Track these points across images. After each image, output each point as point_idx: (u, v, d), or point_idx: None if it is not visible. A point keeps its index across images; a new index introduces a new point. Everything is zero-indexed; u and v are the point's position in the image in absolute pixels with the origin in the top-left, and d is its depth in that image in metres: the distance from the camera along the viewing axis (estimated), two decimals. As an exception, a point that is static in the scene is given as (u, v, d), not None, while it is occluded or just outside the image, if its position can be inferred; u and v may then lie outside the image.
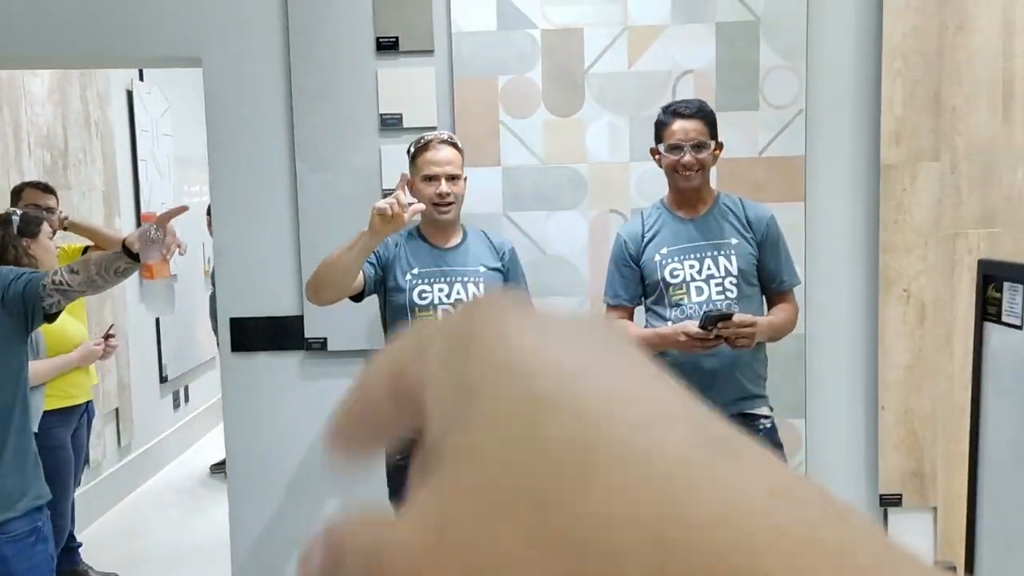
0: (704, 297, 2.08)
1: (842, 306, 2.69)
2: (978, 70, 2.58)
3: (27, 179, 3.22)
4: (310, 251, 2.58)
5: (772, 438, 2.10)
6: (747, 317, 1.95)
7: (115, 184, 4.19)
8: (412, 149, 2.19)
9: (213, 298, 3.62)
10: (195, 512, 4.06)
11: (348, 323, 2.60)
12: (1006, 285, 1.48)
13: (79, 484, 3.12)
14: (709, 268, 2.09)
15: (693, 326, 1.94)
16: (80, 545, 3.28)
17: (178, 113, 4.93)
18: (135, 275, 1.79)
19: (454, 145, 2.17)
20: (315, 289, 2.08)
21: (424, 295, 2.14)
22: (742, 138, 2.59)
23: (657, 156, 2.15)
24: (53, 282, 1.71)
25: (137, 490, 4.37)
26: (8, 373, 1.73)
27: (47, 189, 3.01)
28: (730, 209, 2.15)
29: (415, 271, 2.16)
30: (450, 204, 2.15)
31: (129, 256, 1.69)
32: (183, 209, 1.73)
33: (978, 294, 1.55)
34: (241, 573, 2.73)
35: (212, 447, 4.91)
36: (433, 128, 2.53)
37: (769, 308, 2.16)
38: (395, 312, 2.17)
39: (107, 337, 2.89)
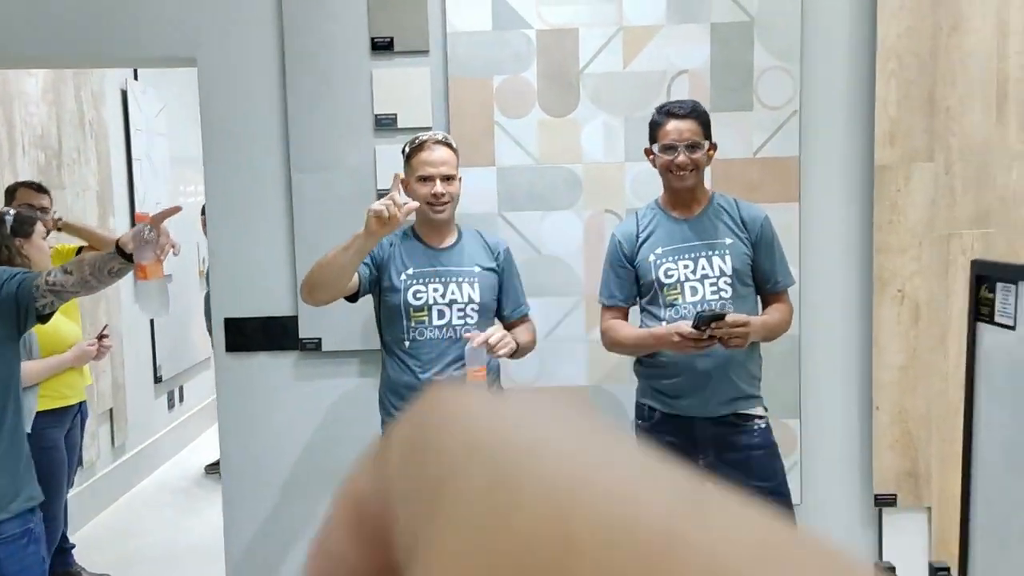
0: (699, 297, 2.08)
1: (836, 306, 2.70)
2: (972, 71, 2.58)
3: (21, 179, 3.21)
4: (305, 251, 2.57)
5: (766, 439, 2.10)
6: (740, 317, 1.95)
7: (109, 184, 4.18)
8: (407, 149, 2.18)
9: (208, 298, 3.61)
10: (189, 512, 4.05)
11: (343, 323, 2.59)
12: (999, 286, 1.48)
13: (72, 485, 3.11)
14: (703, 268, 2.09)
15: (686, 326, 1.94)
16: (73, 546, 3.27)
17: (173, 113, 4.92)
18: (129, 275, 1.78)
19: (449, 145, 2.17)
20: (310, 290, 2.08)
21: (419, 295, 2.14)
22: (736, 139, 2.59)
23: (651, 156, 2.15)
24: (47, 282, 1.70)
25: (131, 491, 4.36)
26: (0, 373, 1.72)
27: (41, 189, 3.00)
28: (724, 209, 2.15)
29: (410, 271, 2.16)
30: (445, 204, 2.15)
31: (123, 257, 1.68)
32: (176, 210, 1.73)
33: (971, 295, 1.55)
34: (235, 573, 2.72)
35: (207, 447, 4.90)
36: (428, 128, 2.53)
37: (764, 308, 2.17)
38: (390, 312, 2.17)
39: (101, 337, 2.88)
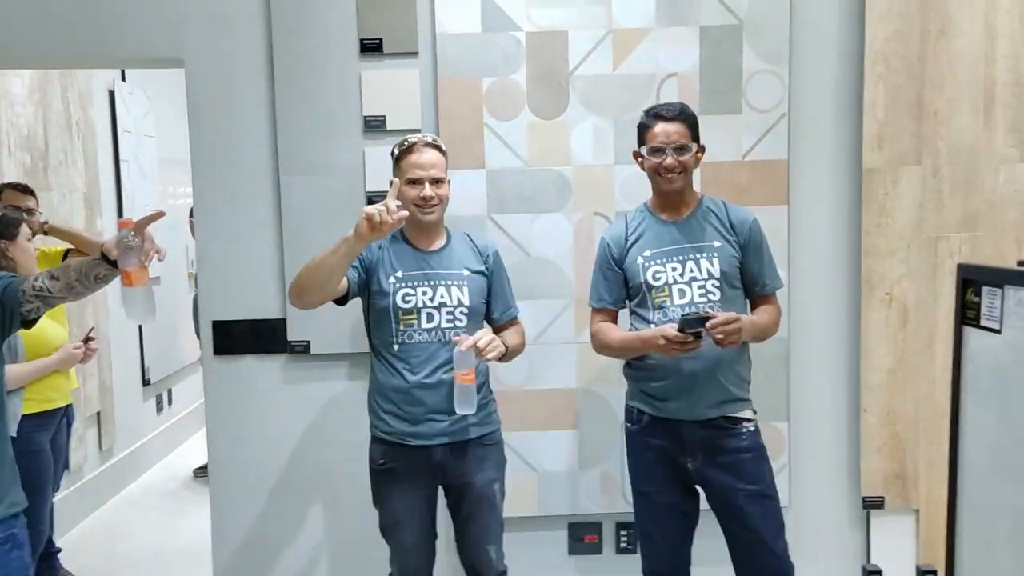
0: (687, 299, 2.08)
1: (825, 309, 2.71)
2: (960, 74, 2.60)
3: (6, 180, 3.18)
4: (293, 253, 2.56)
5: (755, 441, 2.10)
6: (730, 315, 1.95)
7: (96, 185, 4.15)
8: (396, 152, 2.18)
9: (196, 300, 3.59)
10: (177, 516, 4.03)
11: (331, 326, 2.58)
12: (985, 289, 1.49)
13: (58, 489, 3.08)
14: (691, 271, 2.09)
15: (672, 329, 1.94)
16: (59, 550, 3.25)
17: (161, 114, 4.89)
18: (117, 279, 1.76)
19: (438, 148, 2.16)
20: (298, 293, 2.07)
21: (408, 298, 2.13)
22: (725, 142, 2.60)
23: (640, 159, 2.15)
24: (33, 288, 1.68)
25: (119, 494, 4.33)
26: (-17, 377, 1.70)
27: (26, 190, 2.98)
28: (713, 212, 2.15)
29: (399, 274, 2.15)
30: (434, 207, 2.14)
31: (108, 263, 1.67)
32: (160, 215, 1.71)
33: (957, 298, 1.55)
34: (223, 578, 2.71)
35: (196, 451, 4.87)
36: (417, 130, 2.53)
37: (752, 311, 2.17)
38: (379, 315, 2.16)
39: (87, 340, 2.86)
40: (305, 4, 2.57)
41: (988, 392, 1.50)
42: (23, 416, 2.62)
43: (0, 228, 2.49)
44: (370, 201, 2.47)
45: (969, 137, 2.62)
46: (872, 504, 2.70)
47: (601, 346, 2.20)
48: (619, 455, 2.61)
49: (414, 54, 2.59)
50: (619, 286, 2.19)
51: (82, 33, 2.59)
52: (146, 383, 4.70)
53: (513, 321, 2.29)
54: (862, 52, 2.61)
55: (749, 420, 2.11)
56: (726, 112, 2.60)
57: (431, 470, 2.15)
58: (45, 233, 3.01)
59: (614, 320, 2.22)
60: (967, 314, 1.54)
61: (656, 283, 2.10)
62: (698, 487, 2.15)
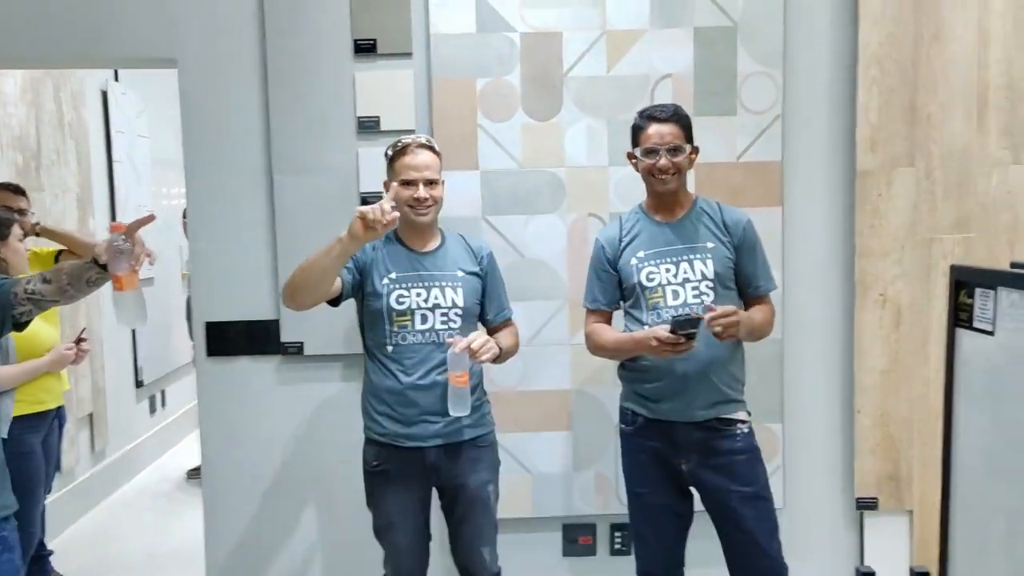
0: (680, 301, 2.08)
1: (819, 310, 2.71)
2: (953, 78, 2.60)
3: (-2, 180, 3.16)
4: (287, 254, 2.55)
5: (749, 443, 2.10)
6: (728, 308, 1.95)
7: (89, 186, 4.13)
8: (390, 153, 2.17)
9: (190, 302, 3.58)
10: (170, 518, 4.01)
11: (325, 327, 2.57)
12: (978, 291, 1.49)
13: (50, 491, 3.06)
14: (685, 272, 2.09)
15: (664, 331, 1.94)
16: (51, 553, 3.22)
17: (154, 114, 4.88)
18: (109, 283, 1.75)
19: (432, 149, 2.16)
20: (292, 294, 2.06)
21: (402, 300, 2.13)
22: (720, 143, 2.60)
23: (634, 160, 2.15)
24: (25, 291, 1.68)
25: (111, 496, 4.31)
26: (-27, 379, 1.69)
27: (18, 191, 2.96)
28: (707, 213, 2.15)
29: (393, 275, 2.15)
30: (428, 208, 2.14)
31: (99, 266, 1.66)
32: (150, 219, 1.70)
33: (950, 300, 1.56)
34: (216, 580, 2.69)
35: (189, 452, 4.85)
36: (411, 131, 2.52)
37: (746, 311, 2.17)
38: (372, 317, 2.15)
39: (79, 341, 2.84)
40: (299, 5, 2.56)
41: (981, 394, 1.50)
42: (14, 418, 2.60)
43: (-9, 228, 2.47)
44: (364, 202, 2.46)
45: (962, 140, 2.62)
46: (866, 505, 2.70)
47: (595, 347, 2.20)
48: (613, 456, 2.60)
49: (408, 55, 2.59)
50: (613, 287, 2.19)
51: (75, 33, 2.58)
52: (139, 384, 4.68)
53: (507, 322, 2.28)
54: (856, 55, 2.61)
55: (743, 421, 2.11)
56: (720, 114, 2.60)
57: (425, 472, 2.14)
58: (37, 234, 2.99)
59: (608, 321, 2.22)
60: (960, 316, 1.54)
61: (650, 284, 2.10)
62: (692, 488, 2.15)
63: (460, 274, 2.18)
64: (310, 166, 2.59)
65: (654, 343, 1.95)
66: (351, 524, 2.60)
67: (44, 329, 2.75)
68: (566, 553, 2.74)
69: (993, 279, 1.47)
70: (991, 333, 1.46)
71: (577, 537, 2.73)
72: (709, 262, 2.09)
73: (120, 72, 4.50)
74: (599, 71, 2.60)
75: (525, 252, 2.64)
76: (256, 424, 2.66)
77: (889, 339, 2.66)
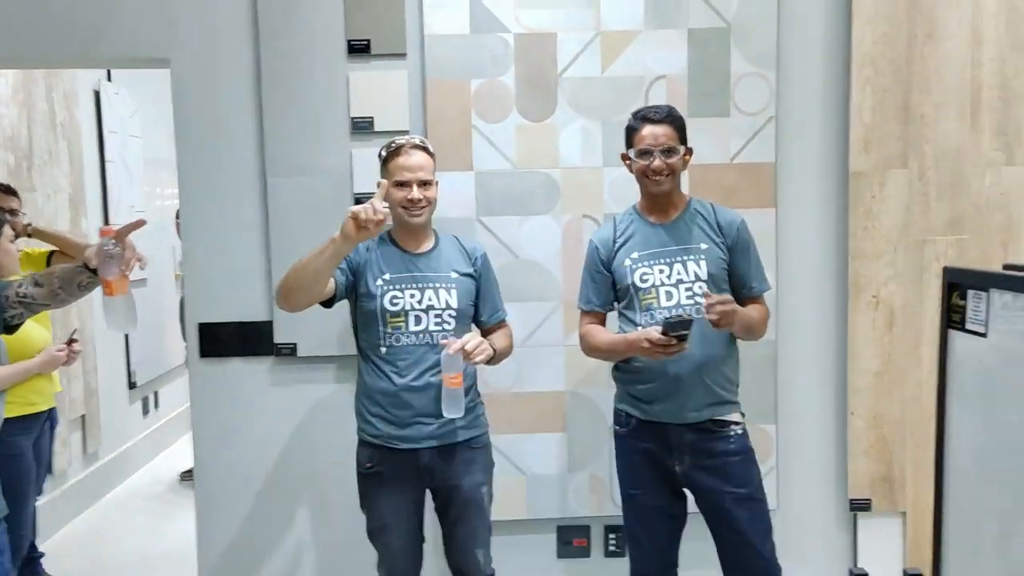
0: (674, 302, 2.07)
1: (812, 312, 2.71)
2: (947, 78, 2.61)
3: (-11, 181, 3.14)
4: (280, 255, 2.55)
5: (742, 445, 2.10)
6: (725, 296, 1.95)
7: (82, 186, 4.11)
8: (383, 153, 2.16)
9: (183, 303, 3.56)
10: (163, 520, 4.00)
11: (318, 328, 2.57)
12: (970, 293, 1.49)
13: (41, 493, 3.05)
14: (679, 273, 2.09)
15: (656, 332, 1.94)
16: (42, 555, 3.21)
17: (148, 114, 4.86)
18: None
19: (426, 150, 2.15)
20: (285, 295, 2.05)
21: (395, 301, 2.12)
22: (713, 144, 2.60)
23: (628, 161, 2.15)
24: (17, 294, 1.67)
25: (104, 498, 4.29)
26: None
27: (9, 191, 2.94)
28: (701, 214, 2.15)
29: (386, 276, 2.14)
30: (422, 209, 2.13)
31: (90, 271, 1.65)
32: (141, 223, 1.69)
33: (943, 301, 1.56)
34: (208, 583, 2.68)
35: (182, 454, 4.83)
36: (405, 132, 2.52)
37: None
38: (366, 318, 2.14)
39: (70, 342, 2.82)
40: (292, 5, 2.55)
41: (973, 396, 1.50)
42: (4, 420, 2.58)
43: (-18, 229, 2.46)
44: (358, 203, 2.45)
45: (955, 140, 2.63)
46: (859, 507, 2.71)
47: (589, 348, 2.20)
48: (608, 458, 2.60)
49: (402, 55, 2.58)
50: (607, 288, 2.18)
51: (67, 33, 2.57)
52: (132, 386, 4.66)
53: (501, 324, 2.28)
54: (849, 55, 2.62)
55: (737, 423, 2.11)
56: (714, 115, 2.61)
57: (419, 473, 2.13)
58: (28, 235, 2.97)
59: (602, 322, 2.22)
60: (953, 318, 1.54)
61: (643, 285, 2.10)
62: (686, 490, 2.15)
63: (454, 275, 2.18)
64: (304, 167, 2.58)
65: (646, 345, 1.95)
66: (344, 526, 2.59)
67: (35, 330, 2.73)
68: (560, 555, 2.74)
69: (986, 281, 1.47)
70: (984, 335, 1.46)
71: (571, 539, 2.73)
72: (703, 263, 2.09)
73: (113, 72, 4.48)
74: (593, 72, 2.60)
75: (519, 253, 2.63)
76: (249, 426, 2.65)
77: (882, 341, 2.66)
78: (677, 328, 1.91)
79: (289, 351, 2.62)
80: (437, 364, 2.07)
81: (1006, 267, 1.49)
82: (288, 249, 2.49)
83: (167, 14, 2.57)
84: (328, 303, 2.13)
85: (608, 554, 2.73)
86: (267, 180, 2.58)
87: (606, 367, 2.31)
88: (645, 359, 2.03)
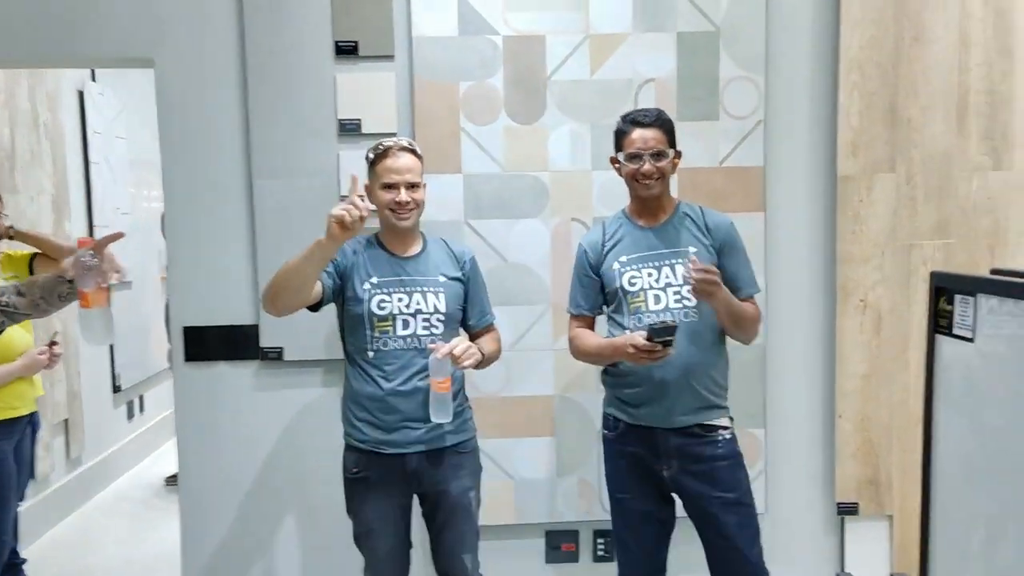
0: (662, 306, 2.07)
1: (801, 315, 2.72)
2: (934, 82, 2.62)
3: (-29, 182, 3.10)
4: (266, 258, 2.52)
5: (731, 449, 2.10)
6: (710, 267, 1.95)
7: (65, 187, 4.06)
8: (371, 156, 2.15)
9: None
10: (148, 525, 3.96)
11: (305, 332, 2.54)
12: (957, 298, 1.49)
13: (23, 499, 3.00)
14: (667, 276, 2.09)
15: (641, 338, 1.93)
16: (24, 561, 3.16)
17: (133, 115, 4.81)
18: None
19: (413, 152, 2.14)
20: (272, 299, 2.03)
21: (383, 305, 2.10)
22: (702, 148, 2.60)
23: (617, 165, 2.15)
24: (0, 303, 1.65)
25: (88, 503, 4.24)
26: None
27: (-9, 193, 2.90)
28: (690, 217, 2.15)
29: (374, 280, 2.12)
30: (410, 212, 2.12)
31: (69, 281, 1.62)
32: (119, 236, 1.66)
33: (930, 306, 1.56)
34: (193, 589, 2.65)
35: (168, 459, 4.79)
36: (393, 134, 2.50)
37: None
38: (353, 322, 2.13)
39: (51, 345, 2.79)
40: (279, 5, 2.53)
41: (961, 401, 1.50)
42: (-15, 425, 2.55)
43: (-38, 231, 2.42)
44: (345, 205, 2.43)
45: (942, 144, 2.64)
46: (846, 510, 2.71)
47: (577, 352, 2.19)
48: (596, 462, 2.59)
49: (390, 57, 2.57)
50: (596, 292, 2.18)
51: (48, 32, 2.54)
52: (116, 389, 4.61)
53: (489, 328, 2.26)
54: (837, 59, 2.63)
55: (725, 428, 2.10)
56: (703, 118, 2.61)
57: (406, 478, 2.12)
58: (11, 237, 2.93)
59: (591, 326, 2.21)
60: (940, 322, 1.54)
61: (632, 289, 2.09)
62: (674, 495, 2.14)
63: (442, 279, 2.16)
64: (290, 169, 2.56)
65: (631, 350, 1.94)
66: (331, 531, 2.57)
67: (17, 333, 2.69)
68: (549, 560, 2.73)
69: (973, 285, 1.48)
70: (971, 340, 1.46)
71: (560, 544, 2.72)
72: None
73: (98, 72, 4.43)
74: (582, 75, 2.59)
75: (508, 257, 2.62)
76: (235, 430, 2.63)
77: (870, 344, 2.67)
78: (662, 334, 1.91)
79: (275, 355, 2.60)
80: (425, 368, 2.05)
81: (993, 271, 1.50)
82: (274, 252, 2.47)
83: (151, 13, 2.54)
84: (315, 307, 2.11)
85: (596, 559, 2.72)
86: (253, 182, 2.56)
87: (595, 371, 2.30)
88: (632, 363, 2.02)
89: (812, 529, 2.76)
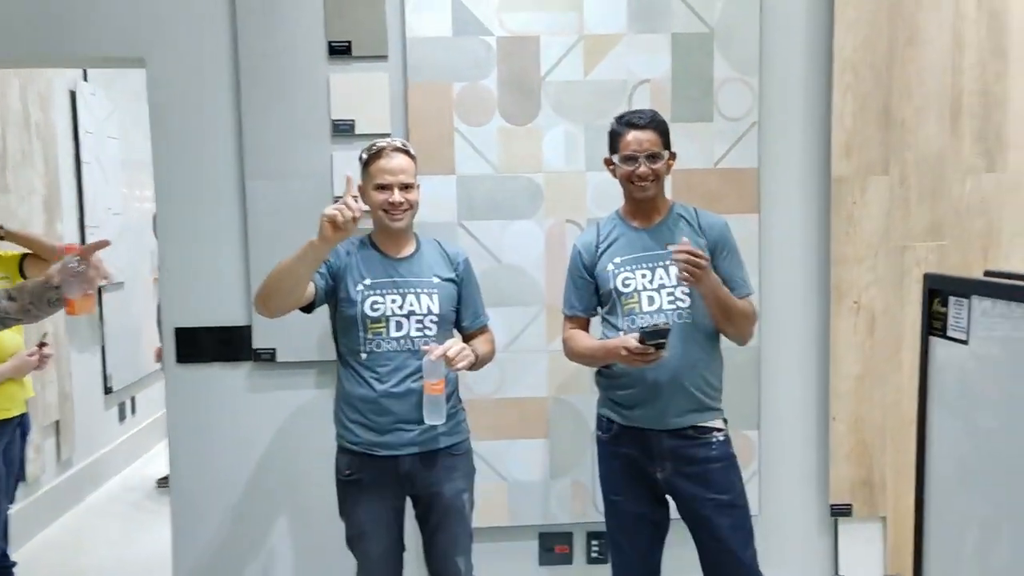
0: (655, 307, 2.06)
1: (795, 317, 2.72)
2: (927, 83, 2.62)
3: (-40, 182, 3.08)
4: (259, 259, 2.51)
5: (724, 451, 2.09)
6: (699, 251, 1.93)
7: (57, 188, 4.04)
8: (364, 156, 2.14)
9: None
10: (140, 527, 3.93)
11: (298, 333, 2.53)
12: (951, 300, 1.49)
13: (13, 501, 2.98)
14: (661, 278, 2.08)
15: (633, 341, 1.93)
16: (15, 564, 3.14)
17: (125, 115, 4.79)
18: None
19: (407, 152, 2.13)
20: (264, 300, 2.02)
21: (376, 306, 2.09)
22: (697, 149, 2.60)
23: (611, 166, 2.14)
24: None
25: (79, 505, 4.22)
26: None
27: (-19, 193, 2.88)
28: (684, 218, 2.15)
29: (367, 281, 2.11)
30: (403, 212, 2.11)
31: (57, 287, 1.61)
32: (105, 243, 1.64)
33: (924, 308, 1.56)
34: (184, 592, 2.64)
35: (160, 460, 4.76)
36: (386, 135, 2.49)
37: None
38: (346, 323, 2.11)
39: (41, 346, 2.77)
40: (271, 5, 2.52)
41: (955, 403, 1.50)
42: (-25, 427, 2.53)
43: (-48, 232, 2.40)
44: (338, 206, 2.43)
45: (936, 146, 2.65)
46: (840, 512, 2.71)
47: (571, 354, 2.19)
48: (590, 464, 2.59)
49: (383, 57, 2.56)
50: (590, 293, 2.17)
51: (39, 32, 2.52)
52: (108, 391, 4.58)
53: (483, 329, 2.26)
54: (831, 61, 2.63)
55: (719, 429, 2.10)
56: (697, 120, 2.60)
57: (399, 480, 2.11)
58: (1, 238, 2.91)
59: (585, 327, 2.20)
60: (934, 325, 1.54)
61: (625, 290, 2.09)
62: (668, 496, 2.14)
63: (436, 280, 2.15)
64: (283, 170, 2.54)
65: (623, 353, 1.94)
66: (323, 534, 2.55)
67: (6, 335, 2.68)
68: (542, 562, 2.72)
69: (966, 288, 1.48)
70: (965, 342, 1.46)
71: (553, 545, 2.71)
72: (685, 268, 2.08)
73: (90, 72, 4.41)
74: (576, 76, 2.59)
75: (502, 258, 2.61)
76: (227, 432, 2.61)
77: (863, 346, 2.67)
78: (654, 337, 1.90)
79: (268, 356, 2.58)
80: (418, 370, 2.05)
81: (987, 274, 1.50)
82: (267, 253, 2.45)
83: (143, 13, 2.53)
84: (308, 308, 2.10)
85: (590, 561, 2.72)
86: (246, 183, 2.55)
87: (589, 372, 2.30)
88: (625, 365, 2.02)
89: (806, 531, 2.76)
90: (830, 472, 2.70)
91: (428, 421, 2.02)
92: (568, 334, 2.19)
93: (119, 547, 3.71)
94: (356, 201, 1.90)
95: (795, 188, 2.69)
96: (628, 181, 2.09)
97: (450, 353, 2.00)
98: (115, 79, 4.63)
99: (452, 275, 2.19)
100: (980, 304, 1.43)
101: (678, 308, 2.06)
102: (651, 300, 2.07)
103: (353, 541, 2.15)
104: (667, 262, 2.08)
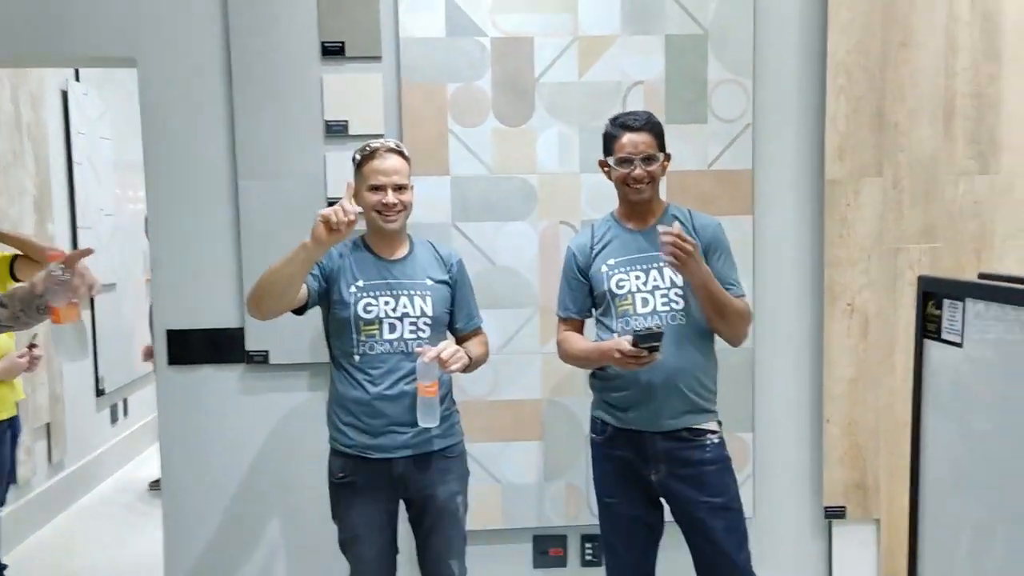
0: (649, 309, 2.06)
1: (788, 319, 2.72)
2: (921, 86, 2.63)
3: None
4: (251, 261, 2.50)
5: (719, 454, 2.09)
6: (687, 236, 1.92)
7: (48, 189, 4.01)
8: (358, 157, 2.13)
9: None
10: (132, 530, 3.91)
11: (290, 335, 2.52)
12: (946, 302, 1.49)
13: (4, 503, 2.96)
14: (655, 279, 2.08)
15: (626, 343, 1.92)
16: (6, 567, 3.12)
17: (118, 115, 4.76)
18: None
19: (400, 153, 2.12)
20: (256, 302, 2.01)
21: (369, 308, 2.08)
22: (691, 151, 2.60)
23: (606, 168, 2.14)
24: None
25: (70, 508, 4.19)
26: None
27: (-29, 193, 2.86)
28: (678, 219, 2.14)
29: (360, 283, 2.10)
30: (397, 214, 2.10)
31: (42, 296, 1.59)
32: (88, 252, 1.62)
33: (918, 311, 1.56)
34: (176, 596, 2.62)
35: (152, 463, 4.74)
36: (380, 136, 2.48)
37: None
38: (339, 325, 2.10)
39: (30, 347, 2.75)
40: (264, 5, 2.51)
41: (949, 406, 1.50)
42: (-36, 429, 2.51)
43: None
44: (330, 207, 2.41)
45: (929, 149, 2.65)
46: (834, 514, 2.71)
47: (566, 356, 2.18)
48: (585, 466, 2.58)
49: (377, 58, 2.55)
50: (584, 295, 2.17)
51: (30, 31, 2.50)
52: (100, 393, 4.56)
53: (477, 331, 2.25)
54: (825, 63, 2.63)
55: (714, 432, 2.09)
56: (692, 121, 2.60)
57: (392, 483, 2.10)
58: (-9, 238, 2.89)
59: (580, 329, 2.20)
60: (928, 327, 1.54)
61: (620, 292, 2.08)
62: (662, 499, 2.13)
63: (429, 282, 2.14)
64: (276, 170, 2.53)
65: (617, 355, 1.93)
66: (316, 537, 2.54)
67: (-3, 337, 2.66)
68: (536, 565, 2.71)
69: (961, 290, 1.47)
70: (959, 345, 1.46)
71: (548, 548, 2.70)
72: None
73: (82, 72, 4.39)
74: (571, 77, 2.58)
75: (496, 260, 2.61)
76: (219, 434, 2.60)
77: (857, 348, 2.67)
78: (647, 340, 1.90)
79: (261, 358, 2.57)
80: (412, 372, 2.04)
81: (981, 276, 1.50)
82: (259, 254, 2.44)
83: (135, 12, 2.51)
84: (300, 310, 2.09)
85: (585, 563, 2.71)
86: (238, 183, 2.53)
87: (583, 374, 2.29)
88: (619, 367, 2.01)
89: (800, 533, 2.76)
90: (824, 474, 2.70)
91: (422, 423, 2.01)
92: (562, 336, 2.19)
93: (111, 550, 3.69)
94: (355, 209, 1.89)
95: (788, 190, 2.69)
96: (623, 183, 2.09)
97: (444, 355, 1.99)
98: (107, 79, 4.61)
99: (446, 277, 2.18)
100: (974, 307, 1.43)
101: (672, 310, 2.06)
102: (645, 302, 2.07)
103: (346, 544, 2.14)
104: (661, 264, 2.07)
